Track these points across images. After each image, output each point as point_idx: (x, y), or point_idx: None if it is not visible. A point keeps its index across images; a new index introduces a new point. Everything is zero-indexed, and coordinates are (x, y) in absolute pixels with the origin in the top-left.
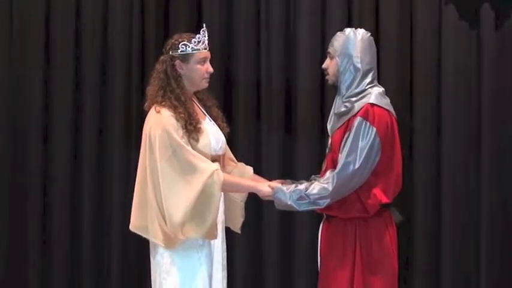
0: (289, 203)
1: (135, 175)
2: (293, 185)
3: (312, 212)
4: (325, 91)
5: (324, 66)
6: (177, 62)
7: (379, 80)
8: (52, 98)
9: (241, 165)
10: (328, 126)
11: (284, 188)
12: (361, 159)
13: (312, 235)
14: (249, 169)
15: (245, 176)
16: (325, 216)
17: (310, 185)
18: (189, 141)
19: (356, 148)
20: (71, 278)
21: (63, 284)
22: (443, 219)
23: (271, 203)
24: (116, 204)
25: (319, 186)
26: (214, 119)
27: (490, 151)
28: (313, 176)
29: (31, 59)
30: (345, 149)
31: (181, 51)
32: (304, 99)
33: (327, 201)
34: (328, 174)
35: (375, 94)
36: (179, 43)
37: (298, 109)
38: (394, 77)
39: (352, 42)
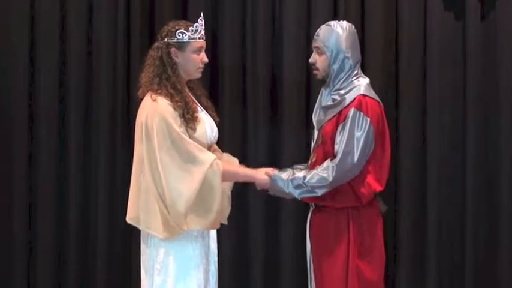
0: (287, 190)
1: (121, 164)
2: (291, 172)
3: (298, 202)
4: (310, 81)
5: (311, 61)
6: (173, 49)
7: (365, 70)
8: (37, 89)
9: (227, 155)
10: (314, 119)
11: (282, 175)
12: (359, 149)
13: (297, 224)
14: (235, 160)
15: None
16: (313, 206)
17: (308, 174)
18: (186, 130)
19: (353, 139)
20: (55, 270)
21: (48, 275)
22: (429, 209)
23: (257, 193)
24: (101, 197)
25: (318, 176)
26: (205, 108)
27: (474, 141)
28: (295, 165)
29: (17, 46)
30: (341, 140)
31: (177, 39)
32: (289, 88)
33: (325, 190)
34: (326, 164)
35: (364, 86)
36: (176, 31)
37: (284, 98)
38: (379, 68)
39: (341, 38)
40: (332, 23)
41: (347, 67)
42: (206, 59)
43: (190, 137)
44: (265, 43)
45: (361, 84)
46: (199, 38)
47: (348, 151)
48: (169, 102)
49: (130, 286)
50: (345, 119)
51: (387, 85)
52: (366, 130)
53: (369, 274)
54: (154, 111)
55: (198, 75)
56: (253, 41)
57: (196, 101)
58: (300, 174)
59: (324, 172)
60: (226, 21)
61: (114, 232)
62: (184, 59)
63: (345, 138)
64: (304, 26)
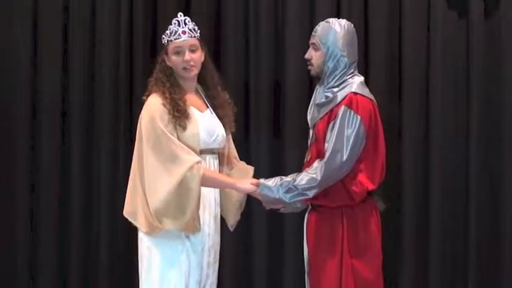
0: (277, 196)
1: (123, 162)
2: (278, 178)
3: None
4: (313, 89)
5: (307, 56)
6: (163, 55)
7: (368, 68)
8: (40, 90)
9: (242, 163)
10: (309, 117)
11: (269, 182)
12: (349, 147)
13: (300, 224)
14: (250, 168)
15: (246, 175)
16: (310, 206)
17: (297, 176)
18: (175, 128)
19: (342, 137)
20: (59, 266)
21: (51, 272)
22: (432, 206)
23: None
24: (103, 194)
25: (308, 177)
26: (220, 116)
27: (478, 140)
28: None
29: (19, 51)
30: (331, 138)
31: (163, 45)
32: (292, 98)
33: (315, 191)
34: (316, 164)
35: (357, 83)
36: (162, 37)
37: (287, 108)
38: (382, 67)
39: (338, 36)
40: (331, 20)
41: (342, 65)
42: (187, 58)
43: (180, 136)
44: (267, 52)
45: (354, 82)
46: (176, 39)
47: (337, 149)
48: (160, 100)
49: (133, 281)
50: (335, 116)
51: (390, 83)
52: (356, 128)
53: (365, 273)
54: (146, 109)
55: (187, 75)
56: (255, 49)
57: (210, 105)
58: (288, 178)
59: (312, 172)
60: (229, 30)
61: (116, 228)
62: (170, 62)
63: (335, 136)
64: (307, 33)
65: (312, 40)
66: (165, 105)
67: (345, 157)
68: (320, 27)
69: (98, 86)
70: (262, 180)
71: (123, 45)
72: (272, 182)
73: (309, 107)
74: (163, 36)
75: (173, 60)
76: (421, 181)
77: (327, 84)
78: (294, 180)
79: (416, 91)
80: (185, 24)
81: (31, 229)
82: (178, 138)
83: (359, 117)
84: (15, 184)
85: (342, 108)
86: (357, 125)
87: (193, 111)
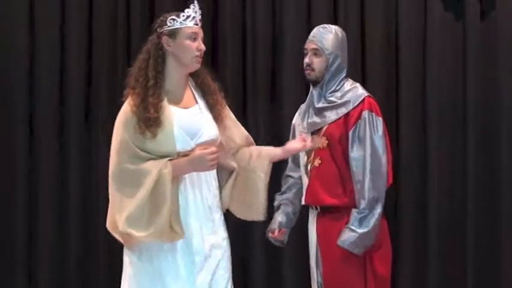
0: (360, 232)
1: None
2: (345, 227)
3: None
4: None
5: (308, 61)
6: (165, 38)
7: (365, 71)
8: (38, 87)
9: (256, 148)
10: (303, 121)
11: (344, 236)
12: (382, 148)
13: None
14: (269, 149)
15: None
16: (319, 209)
17: (356, 206)
18: (145, 133)
19: (374, 142)
20: (59, 265)
21: (50, 272)
22: (430, 203)
23: None
24: (102, 194)
25: (362, 196)
26: (211, 104)
27: (475, 142)
28: (286, 173)
29: (16, 46)
30: (364, 147)
31: (168, 27)
32: (290, 99)
33: (380, 203)
34: (359, 184)
35: (361, 87)
36: (167, 18)
37: (285, 108)
38: (379, 69)
39: (338, 41)
40: (327, 26)
41: (342, 70)
42: (203, 47)
43: (150, 141)
44: (266, 44)
45: (357, 85)
46: (195, 24)
47: (375, 155)
48: (132, 104)
49: None
50: (355, 121)
51: (387, 86)
52: (381, 129)
53: (381, 269)
54: (118, 115)
55: (196, 65)
56: (253, 41)
57: (198, 99)
58: (351, 213)
59: (362, 190)
60: (226, 35)
61: None
62: (178, 47)
63: (368, 144)
64: (305, 30)
65: (311, 45)
66: (134, 111)
67: (383, 159)
68: (320, 33)
69: (95, 81)
70: (338, 242)
71: (120, 41)
72: (344, 231)
73: (303, 112)
74: (173, 18)
75: (186, 44)
76: (419, 180)
77: (329, 89)
78: (355, 211)
79: (413, 92)
80: (199, 14)
81: (29, 225)
82: (149, 145)
83: (380, 118)
84: (13, 183)
85: (366, 113)
86: (381, 127)
87: (171, 112)
